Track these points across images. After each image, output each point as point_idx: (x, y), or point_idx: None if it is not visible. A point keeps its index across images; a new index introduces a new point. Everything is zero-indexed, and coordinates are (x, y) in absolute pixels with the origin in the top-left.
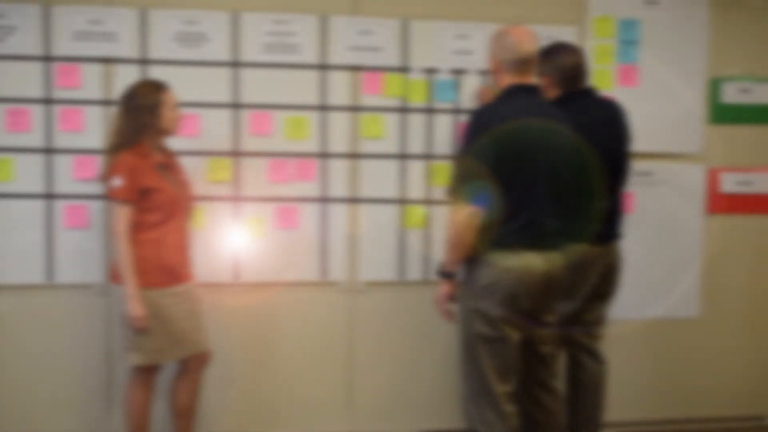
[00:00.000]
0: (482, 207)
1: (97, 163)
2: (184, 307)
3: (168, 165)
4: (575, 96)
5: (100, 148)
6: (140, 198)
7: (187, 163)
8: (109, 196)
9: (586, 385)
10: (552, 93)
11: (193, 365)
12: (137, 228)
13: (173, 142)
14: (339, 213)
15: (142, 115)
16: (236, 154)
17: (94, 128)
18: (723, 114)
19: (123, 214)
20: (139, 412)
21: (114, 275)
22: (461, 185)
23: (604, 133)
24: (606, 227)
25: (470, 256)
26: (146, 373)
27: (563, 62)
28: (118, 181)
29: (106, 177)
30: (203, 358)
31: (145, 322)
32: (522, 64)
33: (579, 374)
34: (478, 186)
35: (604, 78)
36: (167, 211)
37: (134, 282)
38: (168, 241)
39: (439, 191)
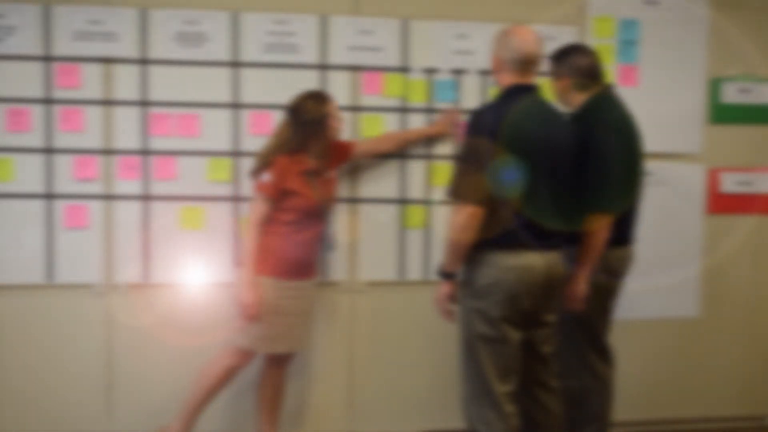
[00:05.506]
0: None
1: (98, 163)
2: (297, 303)
3: (318, 171)
4: (606, 95)
5: (100, 148)
6: (281, 197)
7: (187, 163)
8: (254, 188)
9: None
10: (572, 95)
11: (279, 360)
12: (272, 221)
13: (173, 143)
14: (339, 213)
15: (309, 129)
16: (236, 154)
17: (94, 128)
18: (723, 114)
19: (260, 208)
20: (215, 378)
21: (240, 261)
22: (462, 185)
23: (636, 131)
24: (624, 229)
25: (470, 256)
26: (242, 356)
27: (578, 63)
28: (266, 177)
29: (257, 172)
30: (291, 355)
31: (255, 310)
32: (524, 64)
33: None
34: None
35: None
36: (304, 213)
37: (252, 270)
38: (297, 238)
39: (439, 191)
